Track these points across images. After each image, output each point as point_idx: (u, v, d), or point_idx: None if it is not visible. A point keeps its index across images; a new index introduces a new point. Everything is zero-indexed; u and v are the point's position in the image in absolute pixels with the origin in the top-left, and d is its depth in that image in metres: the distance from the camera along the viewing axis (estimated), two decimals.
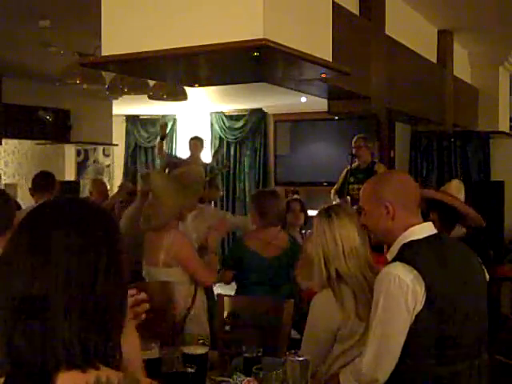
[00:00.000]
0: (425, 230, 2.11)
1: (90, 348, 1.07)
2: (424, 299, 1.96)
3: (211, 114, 9.71)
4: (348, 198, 5.34)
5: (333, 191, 5.88)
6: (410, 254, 2.03)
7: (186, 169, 3.71)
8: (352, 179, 5.60)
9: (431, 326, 1.99)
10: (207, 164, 7.01)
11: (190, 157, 7.25)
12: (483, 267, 2.18)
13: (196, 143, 7.15)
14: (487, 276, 2.20)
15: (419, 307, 1.97)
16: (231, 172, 9.50)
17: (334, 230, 2.41)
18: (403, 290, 1.96)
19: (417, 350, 2.02)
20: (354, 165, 5.72)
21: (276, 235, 3.75)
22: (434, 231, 2.14)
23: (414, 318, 1.98)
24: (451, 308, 2.01)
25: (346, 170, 5.70)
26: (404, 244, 2.07)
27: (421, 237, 2.08)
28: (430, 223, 2.14)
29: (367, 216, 2.20)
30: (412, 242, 2.06)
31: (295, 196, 5.22)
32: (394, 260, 2.06)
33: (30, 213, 1.17)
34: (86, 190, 7.73)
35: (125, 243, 1.20)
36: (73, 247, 1.09)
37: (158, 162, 10.21)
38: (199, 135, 7.40)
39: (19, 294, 1.05)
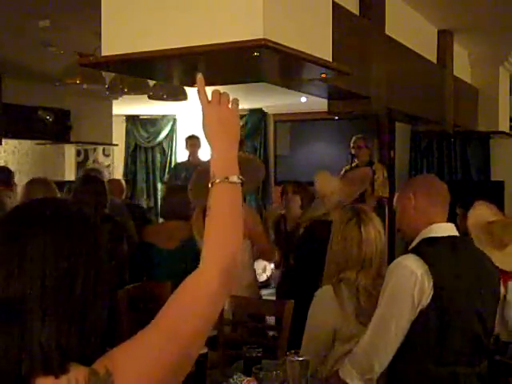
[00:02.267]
0: (446, 229, 2.18)
1: (68, 353, 1.04)
2: (431, 296, 1.99)
3: None
4: None
5: None
6: (426, 248, 2.09)
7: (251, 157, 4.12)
8: None
9: (434, 324, 2.00)
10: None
11: (190, 156, 7.24)
12: (500, 279, 2.21)
13: (194, 142, 7.14)
14: (502, 289, 2.23)
15: (425, 302, 1.99)
16: None
17: (362, 236, 2.43)
18: (412, 281, 2.00)
19: (417, 349, 2.03)
20: (353, 165, 5.73)
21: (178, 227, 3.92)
22: (456, 233, 2.20)
23: (418, 312, 2.00)
24: (456, 309, 2.02)
25: (344, 170, 5.71)
26: (423, 239, 2.14)
27: (440, 235, 2.14)
28: (452, 224, 2.21)
29: (398, 210, 2.33)
30: (431, 238, 2.13)
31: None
32: (409, 252, 2.12)
33: (6, 214, 1.14)
34: None
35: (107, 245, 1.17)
36: (49, 250, 1.06)
37: (157, 161, 10.23)
38: (195, 134, 7.40)
39: None
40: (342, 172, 5.54)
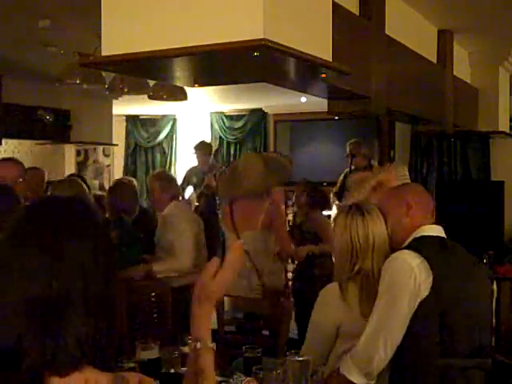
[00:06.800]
0: (435, 230, 2.28)
1: (100, 347, 1.05)
2: (429, 287, 2.05)
3: (211, 114, 9.70)
4: None
5: (332, 194, 5.91)
6: (418, 244, 2.18)
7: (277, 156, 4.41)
8: None
9: (436, 315, 2.07)
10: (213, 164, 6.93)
11: (199, 162, 7.04)
12: (492, 283, 2.28)
13: (203, 150, 6.93)
14: (494, 287, 2.29)
15: (423, 293, 2.06)
16: None
17: (367, 226, 2.41)
18: (408, 273, 2.07)
19: (421, 343, 2.08)
20: (352, 167, 5.76)
21: None
22: (443, 235, 2.29)
23: (417, 304, 2.05)
24: (455, 300, 2.10)
25: (344, 172, 5.74)
26: (414, 238, 2.24)
27: (430, 234, 2.24)
28: (440, 227, 2.30)
29: (390, 219, 2.38)
30: (422, 236, 2.23)
31: None
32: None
33: (29, 211, 1.13)
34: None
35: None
36: (85, 246, 1.07)
37: (157, 161, 10.22)
38: (203, 140, 7.22)
39: (34, 295, 1.01)
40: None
